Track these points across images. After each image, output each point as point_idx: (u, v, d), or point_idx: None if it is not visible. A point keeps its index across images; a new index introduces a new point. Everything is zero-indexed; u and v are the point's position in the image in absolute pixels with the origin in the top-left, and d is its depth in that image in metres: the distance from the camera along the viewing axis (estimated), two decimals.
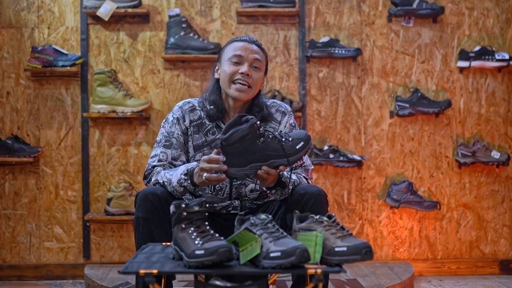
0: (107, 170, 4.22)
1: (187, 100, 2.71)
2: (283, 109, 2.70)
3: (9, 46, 4.20)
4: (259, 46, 2.65)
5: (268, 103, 2.70)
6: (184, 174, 2.43)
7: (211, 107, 2.62)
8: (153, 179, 2.54)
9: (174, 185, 2.45)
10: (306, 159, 2.65)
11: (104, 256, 4.23)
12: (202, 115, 2.64)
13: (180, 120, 2.63)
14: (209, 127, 2.63)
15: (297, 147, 2.33)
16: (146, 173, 2.59)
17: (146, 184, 2.59)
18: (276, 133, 2.38)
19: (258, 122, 2.31)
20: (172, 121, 2.64)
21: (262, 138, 2.32)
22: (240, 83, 2.57)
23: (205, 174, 2.36)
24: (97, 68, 4.20)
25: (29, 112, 4.20)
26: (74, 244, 4.23)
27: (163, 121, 2.68)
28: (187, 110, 2.65)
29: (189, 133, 2.63)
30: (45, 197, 4.21)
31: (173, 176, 2.47)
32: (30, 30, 4.20)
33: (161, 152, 2.60)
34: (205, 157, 2.36)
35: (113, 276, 3.85)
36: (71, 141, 4.22)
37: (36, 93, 4.20)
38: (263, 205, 2.63)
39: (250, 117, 2.33)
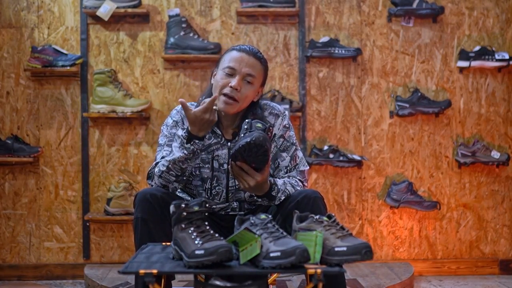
0: (107, 170, 4.22)
1: None
2: (276, 111, 2.65)
3: (9, 46, 4.20)
4: (258, 58, 2.58)
5: (261, 105, 2.67)
6: (183, 137, 2.42)
7: None
8: (156, 170, 2.49)
9: (178, 155, 2.43)
10: (300, 160, 2.62)
11: (104, 256, 4.23)
12: None
13: (179, 123, 2.62)
14: None
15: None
16: (149, 171, 2.56)
17: (149, 183, 2.55)
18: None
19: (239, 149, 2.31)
20: (171, 123, 2.63)
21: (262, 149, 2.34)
22: (227, 97, 2.53)
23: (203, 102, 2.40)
24: (97, 68, 4.20)
25: (29, 112, 4.20)
26: (74, 244, 4.23)
27: (163, 125, 2.66)
28: (185, 115, 2.64)
29: None
30: (45, 197, 4.21)
31: (173, 148, 2.46)
32: (30, 30, 4.20)
33: (165, 150, 2.58)
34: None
35: (113, 276, 3.85)
36: (71, 141, 4.22)
37: (36, 93, 4.20)
38: (262, 206, 2.63)
39: (252, 121, 2.39)
